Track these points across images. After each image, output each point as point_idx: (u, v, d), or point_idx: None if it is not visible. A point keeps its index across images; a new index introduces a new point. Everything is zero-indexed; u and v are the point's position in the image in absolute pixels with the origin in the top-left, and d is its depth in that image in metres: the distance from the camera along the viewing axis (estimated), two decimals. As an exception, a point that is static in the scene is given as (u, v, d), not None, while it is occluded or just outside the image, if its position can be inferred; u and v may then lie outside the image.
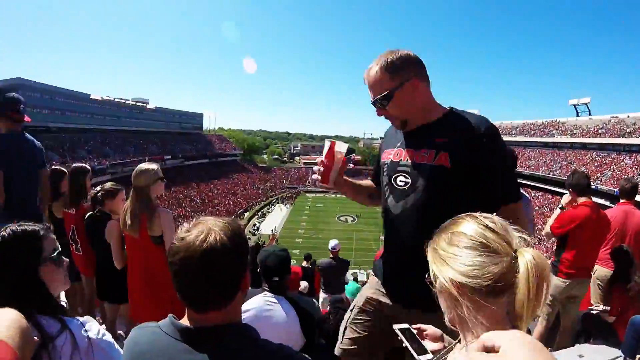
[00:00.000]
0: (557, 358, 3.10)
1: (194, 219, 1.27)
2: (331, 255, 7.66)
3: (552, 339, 4.55)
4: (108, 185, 4.01)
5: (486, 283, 1.00)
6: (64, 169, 4.77)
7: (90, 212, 4.02)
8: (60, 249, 1.59)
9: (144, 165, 3.49)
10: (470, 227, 1.09)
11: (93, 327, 1.52)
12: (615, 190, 42.76)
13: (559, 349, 4.31)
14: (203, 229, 1.19)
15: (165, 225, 3.35)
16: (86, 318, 1.55)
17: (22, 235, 1.48)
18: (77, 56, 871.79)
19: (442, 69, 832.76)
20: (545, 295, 0.99)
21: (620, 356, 4.01)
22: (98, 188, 4.03)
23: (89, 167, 4.70)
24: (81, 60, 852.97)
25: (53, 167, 4.92)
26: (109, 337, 1.56)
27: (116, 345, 1.56)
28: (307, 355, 1.27)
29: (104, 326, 1.62)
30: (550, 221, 4.46)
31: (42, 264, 1.51)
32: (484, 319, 1.03)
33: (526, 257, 0.99)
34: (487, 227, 1.07)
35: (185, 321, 1.24)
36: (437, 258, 1.10)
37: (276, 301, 2.65)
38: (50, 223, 4.45)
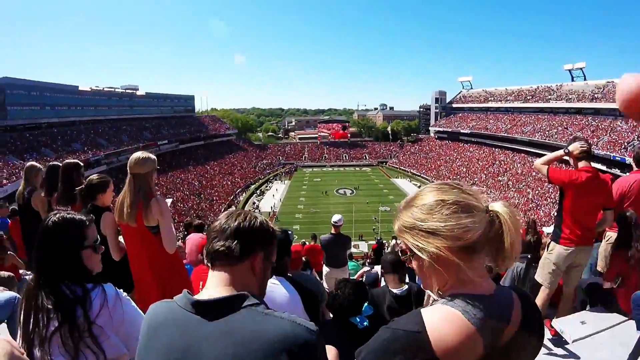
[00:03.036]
0: (559, 325, 3.14)
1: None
2: (333, 231, 7.63)
3: (554, 306, 4.56)
4: (95, 178, 3.92)
5: (471, 242, 1.12)
6: (59, 164, 4.76)
7: (84, 209, 3.97)
8: (99, 238, 1.91)
9: (142, 154, 3.47)
10: (447, 194, 1.17)
11: (117, 290, 1.81)
12: (613, 155, 42.87)
13: (561, 315, 4.33)
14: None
15: (160, 213, 3.34)
16: (110, 284, 1.82)
17: (69, 223, 1.78)
18: (61, 49, 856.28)
19: (436, 35, 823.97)
20: (520, 239, 1.12)
21: (622, 322, 4.04)
22: (86, 182, 3.96)
23: (81, 163, 4.68)
24: (66, 53, 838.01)
25: (50, 163, 4.96)
26: (128, 298, 1.85)
27: (136, 306, 1.87)
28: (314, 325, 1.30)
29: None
30: (545, 159, 4.29)
31: (84, 249, 1.80)
32: (465, 272, 1.14)
33: (501, 211, 1.15)
34: (461, 190, 1.18)
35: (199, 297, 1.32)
36: (419, 233, 1.17)
37: (277, 282, 2.66)
38: None
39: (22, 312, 1.65)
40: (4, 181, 35.03)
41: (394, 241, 11.62)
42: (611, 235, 4.49)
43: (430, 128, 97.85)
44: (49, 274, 1.69)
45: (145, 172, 3.40)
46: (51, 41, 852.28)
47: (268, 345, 1.17)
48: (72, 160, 4.61)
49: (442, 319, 1.09)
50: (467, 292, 1.14)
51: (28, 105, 49.64)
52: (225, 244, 1.35)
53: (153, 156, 3.53)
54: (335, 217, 7.71)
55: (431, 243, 1.14)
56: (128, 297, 1.82)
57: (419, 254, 1.18)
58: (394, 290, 3.48)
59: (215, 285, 1.34)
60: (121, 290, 1.81)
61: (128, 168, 3.41)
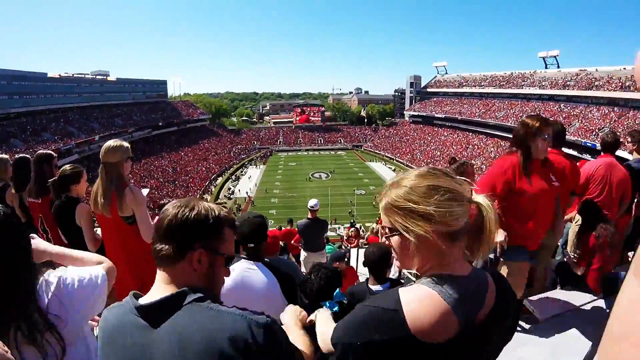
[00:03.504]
0: (530, 304, 3.21)
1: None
2: (309, 216, 7.63)
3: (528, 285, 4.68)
4: (68, 169, 3.84)
5: (457, 227, 1.17)
6: (29, 156, 4.58)
7: (57, 201, 3.87)
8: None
9: (114, 142, 3.41)
10: (443, 180, 1.20)
11: (57, 271, 1.69)
12: (583, 140, 43.94)
13: (533, 294, 4.44)
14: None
15: (135, 203, 3.31)
16: (60, 268, 1.73)
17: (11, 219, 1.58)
18: (29, 35, 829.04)
19: (412, 20, 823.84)
20: (496, 228, 1.18)
21: (591, 301, 4.17)
22: (59, 173, 3.87)
23: (53, 153, 4.54)
24: (34, 39, 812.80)
25: (17, 155, 4.73)
26: (71, 269, 1.74)
27: (82, 275, 1.73)
28: (268, 316, 1.28)
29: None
30: None
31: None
32: (446, 255, 1.19)
33: (484, 203, 1.19)
34: (452, 178, 1.22)
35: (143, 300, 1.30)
36: (410, 215, 1.19)
37: (255, 267, 2.67)
38: (22, 213, 4.38)
39: None
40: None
41: (375, 226, 11.68)
42: (578, 217, 4.63)
43: (405, 112, 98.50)
44: None
45: (116, 160, 3.34)
46: (18, 26, 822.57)
47: (211, 341, 1.15)
48: (44, 152, 4.46)
49: (418, 298, 1.13)
50: (444, 272, 1.18)
51: (-5, 95, 47.87)
52: (157, 247, 1.33)
53: (126, 144, 3.46)
54: (312, 202, 7.71)
55: (421, 226, 1.16)
56: (66, 273, 1.69)
57: (405, 234, 1.20)
58: (373, 288, 3.48)
59: (157, 286, 1.33)
60: (58, 270, 1.71)
61: (100, 157, 3.35)
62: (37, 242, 1.90)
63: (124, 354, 1.24)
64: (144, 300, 1.29)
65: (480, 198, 1.21)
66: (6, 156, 4.93)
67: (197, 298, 1.25)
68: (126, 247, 3.43)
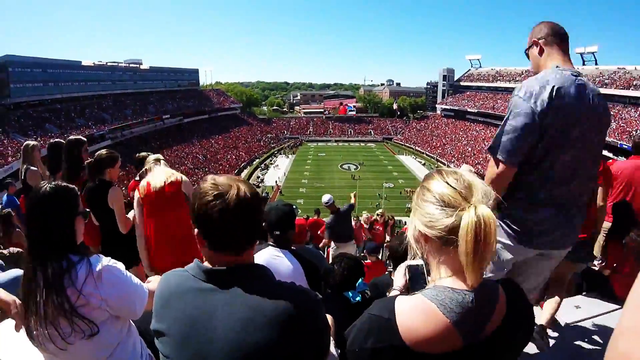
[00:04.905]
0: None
1: (206, 176, 1.43)
2: (331, 212, 7.59)
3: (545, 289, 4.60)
4: (104, 153, 3.95)
5: (439, 234, 1.14)
6: (63, 141, 4.77)
7: (91, 184, 3.99)
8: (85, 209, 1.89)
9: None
10: (434, 183, 1.21)
11: (105, 260, 1.78)
12: (620, 142, 42.32)
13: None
14: (231, 183, 1.35)
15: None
16: (101, 255, 1.80)
17: (65, 190, 1.77)
18: (64, 24, 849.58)
19: (445, 12, 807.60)
20: (488, 251, 1.07)
21: (617, 309, 4.06)
22: (95, 157, 3.99)
23: (84, 139, 4.70)
24: (69, 28, 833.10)
25: (52, 140, 4.95)
26: (121, 266, 1.83)
27: (131, 276, 1.84)
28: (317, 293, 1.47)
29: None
30: None
31: (77, 216, 1.80)
32: (445, 264, 1.19)
33: (469, 214, 1.08)
34: (447, 183, 1.17)
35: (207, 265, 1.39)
36: (413, 208, 1.26)
37: (281, 255, 2.72)
38: None
39: (22, 289, 1.69)
40: (10, 159, 35.23)
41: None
42: (606, 225, 4.51)
43: (436, 105, 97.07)
44: (40, 246, 1.68)
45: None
46: (53, 16, 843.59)
47: (281, 309, 1.26)
48: (75, 137, 4.63)
49: (413, 309, 1.13)
50: (448, 285, 1.15)
51: (31, 82, 49.34)
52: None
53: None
54: (325, 198, 7.68)
55: (415, 223, 1.23)
56: (115, 265, 1.79)
57: (409, 233, 1.27)
58: None
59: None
60: (106, 259, 1.78)
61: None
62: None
63: (182, 314, 1.32)
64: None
65: (471, 211, 1.09)
66: (34, 142, 5.12)
67: (259, 268, 1.42)
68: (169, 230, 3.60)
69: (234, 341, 1.23)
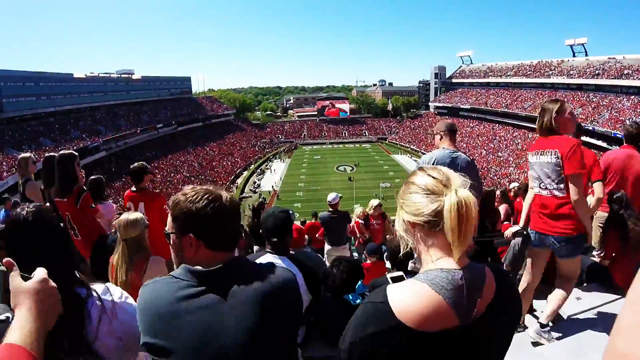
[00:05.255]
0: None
1: (189, 185, 1.57)
2: (330, 209, 7.63)
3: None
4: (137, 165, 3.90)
5: (426, 219, 1.25)
6: (56, 155, 4.76)
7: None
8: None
9: (131, 215, 3.33)
10: (418, 178, 1.33)
11: (115, 291, 1.67)
12: (613, 132, 42.53)
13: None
14: (214, 189, 1.52)
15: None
16: (108, 284, 1.69)
17: (48, 212, 1.63)
18: (54, 37, 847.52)
19: (435, 9, 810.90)
20: (470, 227, 1.20)
21: (618, 299, 4.06)
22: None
23: (75, 153, 4.69)
24: (59, 41, 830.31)
25: (47, 154, 4.96)
26: (130, 300, 1.70)
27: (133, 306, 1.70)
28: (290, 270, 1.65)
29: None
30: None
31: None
32: (434, 248, 1.27)
33: (450, 197, 1.21)
34: (430, 175, 1.30)
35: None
36: (399, 205, 1.36)
37: (279, 261, 2.70)
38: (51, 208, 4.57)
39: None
40: (4, 174, 35.03)
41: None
42: (601, 215, 4.51)
43: (429, 103, 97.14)
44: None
45: (137, 234, 3.25)
46: (44, 30, 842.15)
47: (272, 290, 1.46)
48: (66, 152, 4.62)
49: (405, 290, 1.22)
50: (437, 267, 1.24)
51: (24, 96, 49.10)
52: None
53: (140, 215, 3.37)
54: (330, 196, 7.69)
55: (400, 214, 1.35)
56: (126, 297, 1.70)
57: (396, 224, 1.39)
58: None
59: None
60: (116, 289, 1.69)
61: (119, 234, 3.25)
62: None
63: (192, 327, 1.34)
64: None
65: (452, 194, 1.22)
66: (28, 154, 5.13)
67: (242, 260, 1.64)
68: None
69: (240, 327, 1.35)
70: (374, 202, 8.53)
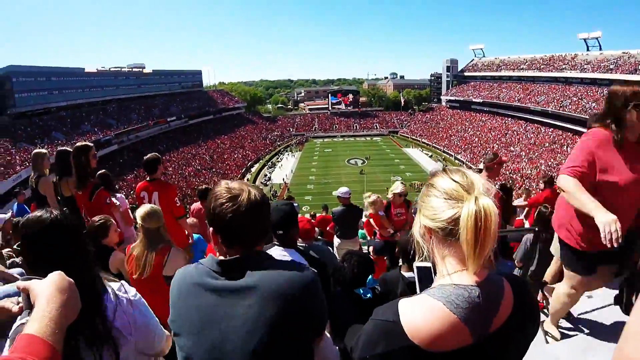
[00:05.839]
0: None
1: (220, 181, 1.63)
2: (343, 204, 7.50)
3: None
4: (96, 222, 3.73)
5: (442, 225, 1.18)
6: (69, 149, 4.83)
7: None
8: None
9: (150, 208, 3.44)
10: (439, 180, 1.25)
11: (130, 290, 1.73)
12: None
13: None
14: (243, 187, 1.54)
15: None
16: (123, 282, 1.74)
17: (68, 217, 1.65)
18: (65, 31, 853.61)
19: (445, 3, 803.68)
20: (488, 239, 1.11)
21: None
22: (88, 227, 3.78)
23: (91, 144, 4.77)
24: (70, 35, 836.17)
25: (59, 148, 5.04)
26: (144, 301, 1.77)
27: (149, 308, 1.78)
28: (312, 269, 1.61)
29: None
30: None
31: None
32: (450, 258, 1.21)
33: (470, 204, 1.12)
34: (452, 179, 1.21)
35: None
36: (418, 206, 1.30)
37: (286, 254, 2.68)
38: (61, 202, 4.63)
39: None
40: (18, 167, 35.40)
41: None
42: None
43: (441, 97, 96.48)
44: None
45: (157, 226, 3.37)
46: (55, 25, 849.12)
47: (287, 286, 1.46)
48: (81, 144, 4.69)
49: (418, 309, 1.15)
50: (453, 282, 1.17)
51: (35, 91, 49.47)
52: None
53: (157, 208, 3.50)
54: (341, 190, 7.59)
55: (419, 220, 1.28)
56: (140, 297, 1.76)
57: (413, 227, 1.33)
58: (406, 275, 3.42)
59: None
60: (131, 288, 1.74)
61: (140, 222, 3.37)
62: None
63: (201, 305, 1.46)
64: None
65: (471, 202, 1.13)
66: (44, 150, 5.18)
67: (267, 255, 1.63)
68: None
69: (250, 316, 1.39)
70: (398, 184, 7.53)
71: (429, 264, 1.41)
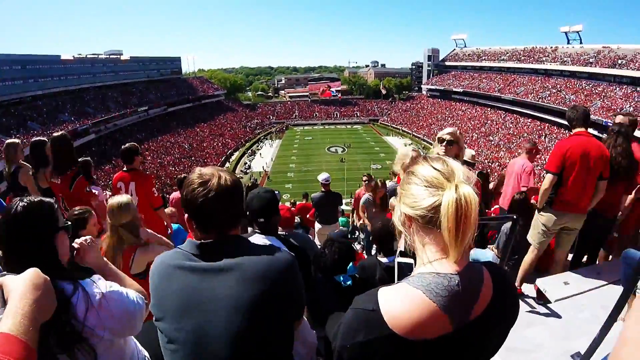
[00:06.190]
0: (543, 284, 3.16)
1: (195, 167, 1.65)
2: (322, 189, 7.69)
3: (545, 269, 4.63)
4: (75, 212, 3.54)
5: (422, 213, 1.16)
6: (45, 139, 4.76)
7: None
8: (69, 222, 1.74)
9: (122, 198, 3.32)
10: (420, 168, 1.23)
11: (101, 284, 1.64)
12: (604, 120, 42.77)
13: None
14: (214, 172, 1.58)
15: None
16: (95, 276, 1.68)
17: (40, 206, 1.59)
18: (41, 17, 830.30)
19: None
20: (469, 227, 1.11)
21: (605, 284, 4.09)
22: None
23: (67, 134, 4.71)
24: (46, 21, 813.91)
25: (34, 138, 4.91)
26: (117, 287, 1.71)
27: (127, 294, 1.73)
28: (290, 252, 1.68)
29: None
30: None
31: (57, 232, 1.63)
32: (430, 246, 1.20)
33: (451, 191, 1.12)
34: (433, 167, 1.20)
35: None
36: (398, 194, 1.29)
37: (268, 241, 2.66)
38: (38, 193, 4.57)
39: None
40: (-8, 160, 34.41)
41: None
42: None
43: (422, 86, 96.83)
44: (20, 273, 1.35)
45: (129, 220, 3.27)
46: (29, 11, 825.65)
47: (266, 267, 1.52)
48: (58, 133, 4.64)
49: (397, 297, 1.15)
50: (433, 270, 1.17)
51: (10, 80, 48.08)
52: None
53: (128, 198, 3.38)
54: (322, 176, 7.80)
55: (399, 208, 1.26)
56: (112, 289, 1.67)
57: (395, 218, 1.30)
58: (383, 261, 3.46)
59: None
60: (101, 281, 1.66)
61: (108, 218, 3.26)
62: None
63: (184, 286, 1.49)
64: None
65: (451, 190, 1.12)
66: (17, 140, 5.06)
67: (242, 238, 1.67)
68: None
69: (231, 298, 1.42)
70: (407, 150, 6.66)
71: (410, 260, 1.41)
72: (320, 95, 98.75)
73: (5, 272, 1.36)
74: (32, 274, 1.25)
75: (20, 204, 1.55)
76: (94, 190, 4.84)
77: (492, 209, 6.73)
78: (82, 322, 1.49)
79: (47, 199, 1.66)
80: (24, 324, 1.08)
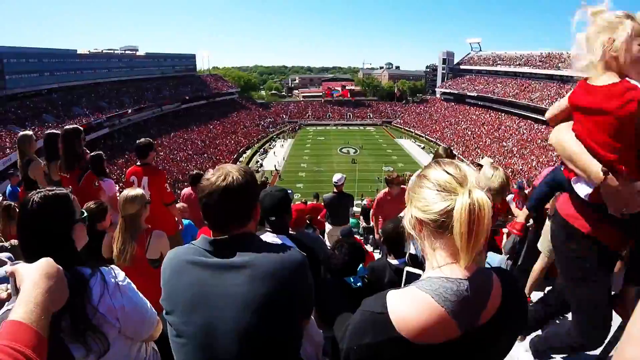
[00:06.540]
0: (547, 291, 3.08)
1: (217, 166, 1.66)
2: (335, 190, 7.64)
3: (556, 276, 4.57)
4: (93, 206, 3.68)
5: (434, 217, 1.16)
6: (58, 132, 4.78)
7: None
8: (85, 212, 1.78)
9: (132, 191, 3.39)
10: (431, 171, 1.23)
11: (119, 274, 1.70)
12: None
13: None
14: (224, 171, 1.58)
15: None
16: (113, 266, 1.72)
17: (57, 198, 1.63)
18: (58, 12, 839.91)
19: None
20: (481, 233, 1.11)
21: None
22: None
23: (80, 128, 4.71)
24: (63, 16, 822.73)
25: (48, 131, 4.97)
26: (133, 286, 1.74)
27: (144, 299, 1.78)
28: (301, 251, 1.66)
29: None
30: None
31: (75, 224, 1.68)
32: (441, 251, 1.20)
33: (464, 197, 1.11)
34: (445, 171, 1.20)
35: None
36: (410, 197, 1.28)
37: (279, 240, 2.66)
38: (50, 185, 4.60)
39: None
40: (7, 150, 34.81)
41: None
42: None
43: (436, 89, 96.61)
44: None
45: (135, 210, 3.33)
46: (47, 5, 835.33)
47: (276, 266, 1.51)
48: (71, 127, 4.64)
49: (405, 301, 1.15)
50: (443, 275, 1.16)
51: (27, 73, 48.62)
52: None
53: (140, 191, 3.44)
54: (336, 177, 7.72)
55: (410, 212, 1.26)
56: (129, 282, 1.72)
57: (405, 221, 1.29)
58: (393, 262, 3.43)
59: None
60: (120, 273, 1.71)
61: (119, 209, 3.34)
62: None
63: (194, 282, 1.51)
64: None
65: (464, 195, 1.12)
66: (30, 132, 5.11)
67: (253, 236, 1.68)
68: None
69: (242, 295, 1.43)
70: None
71: (419, 271, 1.41)
72: (337, 95, 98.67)
73: (18, 261, 1.37)
74: (45, 263, 1.27)
75: (37, 197, 1.58)
76: (104, 184, 4.87)
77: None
78: (96, 308, 1.52)
79: (62, 191, 1.68)
80: (35, 312, 1.08)
